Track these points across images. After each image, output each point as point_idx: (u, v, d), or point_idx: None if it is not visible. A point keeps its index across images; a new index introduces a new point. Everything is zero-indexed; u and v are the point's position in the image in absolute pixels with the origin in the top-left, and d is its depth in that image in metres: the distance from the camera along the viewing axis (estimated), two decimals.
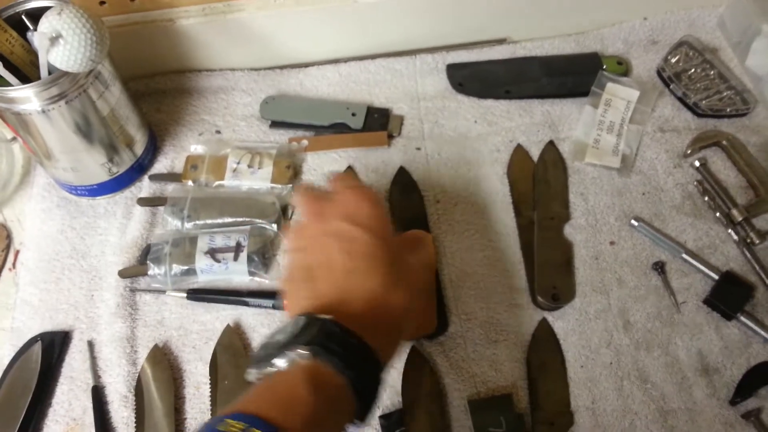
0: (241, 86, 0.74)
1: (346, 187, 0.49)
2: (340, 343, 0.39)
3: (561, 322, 0.59)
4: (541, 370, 0.57)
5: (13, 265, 0.65)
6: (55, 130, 0.58)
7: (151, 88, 0.73)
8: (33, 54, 0.59)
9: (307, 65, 0.75)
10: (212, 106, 0.73)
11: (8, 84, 0.55)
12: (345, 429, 0.39)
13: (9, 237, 0.67)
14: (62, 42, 0.50)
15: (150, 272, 0.61)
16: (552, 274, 0.60)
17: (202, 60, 0.73)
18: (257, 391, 0.38)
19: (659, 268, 0.61)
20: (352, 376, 0.38)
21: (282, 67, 0.75)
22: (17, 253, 0.65)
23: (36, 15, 0.58)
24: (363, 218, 0.45)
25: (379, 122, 0.70)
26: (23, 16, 0.58)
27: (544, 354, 0.58)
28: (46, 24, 0.50)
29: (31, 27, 0.58)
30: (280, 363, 0.38)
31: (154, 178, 0.67)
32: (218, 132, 0.71)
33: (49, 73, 0.54)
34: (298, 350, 0.38)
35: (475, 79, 0.73)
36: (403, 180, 0.66)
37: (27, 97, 0.55)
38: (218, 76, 0.74)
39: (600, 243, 0.63)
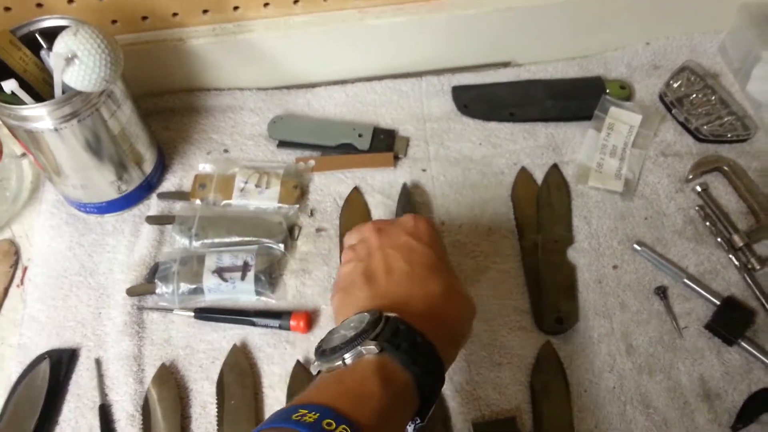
0: (249, 105, 0.75)
1: (404, 213, 0.56)
2: (407, 340, 0.40)
3: (565, 345, 0.60)
4: (544, 393, 0.57)
5: (21, 281, 0.65)
6: (67, 147, 0.59)
7: (159, 107, 0.74)
8: (46, 72, 0.59)
9: (314, 85, 0.76)
10: (220, 125, 0.73)
11: (21, 102, 0.55)
12: (407, 427, 0.40)
13: (17, 253, 0.67)
14: (77, 62, 0.51)
15: (158, 291, 0.61)
16: (556, 298, 0.61)
17: (211, 79, 0.74)
18: (326, 383, 0.39)
19: (661, 292, 0.62)
20: (418, 372, 0.39)
21: (289, 87, 0.76)
22: (25, 269, 0.66)
23: (50, 34, 0.59)
24: (421, 234, 0.50)
25: (385, 143, 0.71)
26: (37, 35, 0.59)
27: (548, 377, 0.58)
28: (61, 44, 0.51)
29: (44, 45, 0.59)
30: (348, 357, 0.39)
31: (163, 196, 0.68)
32: (226, 151, 0.71)
33: (63, 92, 0.55)
34: (367, 345, 0.39)
35: (480, 102, 0.74)
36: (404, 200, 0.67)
37: (40, 116, 0.55)
38: (227, 95, 0.75)
39: (603, 267, 0.64)
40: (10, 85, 0.51)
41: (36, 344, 0.61)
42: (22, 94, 0.53)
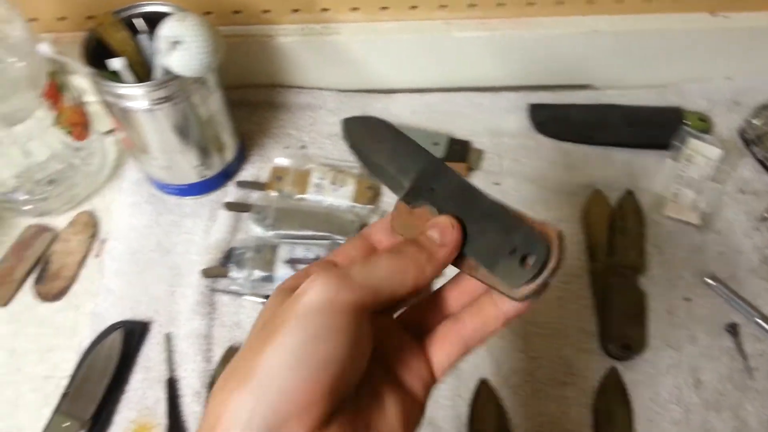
0: (329, 106, 0.76)
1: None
2: None
3: (630, 372, 0.59)
4: (607, 418, 0.56)
5: (99, 253, 0.67)
6: (157, 128, 0.61)
7: (243, 99, 0.76)
8: (140, 55, 0.62)
9: (392, 92, 0.77)
10: (299, 122, 0.75)
11: (119, 81, 0.58)
12: None
13: (96, 225, 0.69)
14: (182, 47, 0.53)
15: (231, 275, 0.62)
16: (624, 323, 0.60)
17: (294, 77, 0.76)
18: None
19: (732, 330, 0.61)
20: None
21: (369, 91, 0.77)
22: (104, 242, 0.68)
23: (149, 19, 0.61)
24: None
25: (459, 154, 0.71)
26: (136, 20, 0.62)
27: (612, 403, 0.57)
28: (168, 29, 0.53)
29: (143, 30, 0.62)
30: None
31: (241, 184, 0.70)
32: (303, 147, 0.73)
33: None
34: None
35: (557, 121, 0.74)
36: None
37: (137, 95, 0.57)
38: (307, 94, 0.77)
39: (674, 297, 0.63)
40: (119, 64, 0.54)
41: (110, 314, 0.62)
42: (127, 74, 0.55)
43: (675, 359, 0.59)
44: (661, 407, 0.57)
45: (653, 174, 0.71)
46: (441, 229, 0.34)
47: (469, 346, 0.35)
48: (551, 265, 0.32)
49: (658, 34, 0.71)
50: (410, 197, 0.36)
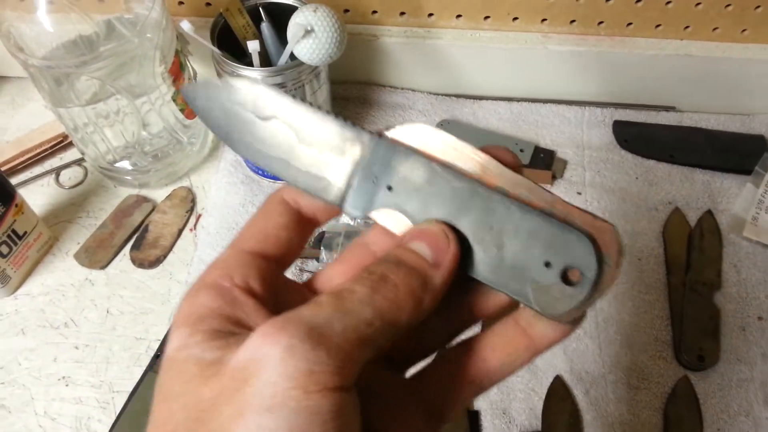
0: (419, 107, 0.79)
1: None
2: None
3: (702, 382, 0.61)
4: (677, 424, 0.58)
5: (194, 226, 0.71)
6: None
7: (342, 94, 0.80)
8: (260, 42, 0.66)
9: (481, 98, 0.80)
10: (390, 120, 0.78)
11: (239, 62, 0.62)
12: None
13: (193, 201, 0.73)
14: (313, 36, 0.57)
15: (321, 256, 0.66)
16: (699, 336, 0.62)
17: (390, 77, 0.79)
18: None
19: None
20: None
21: (458, 96, 0.80)
22: (199, 216, 0.72)
23: (271, 10, 0.66)
24: None
25: (544, 162, 0.74)
26: (260, 8, 0.66)
27: (683, 410, 0.59)
28: (301, 17, 0.57)
29: (264, 18, 0.66)
30: None
31: None
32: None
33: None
34: None
35: (641, 139, 0.76)
36: None
37: (256, 78, 0.61)
38: (399, 94, 0.80)
39: (748, 316, 0.64)
40: (254, 47, 0.58)
41: None
42: (256, 57, 0.59)
43: (746, 374, 0.61)
44: (730, 418, 0.59)
45: (733, 196, 0.72)
46: (430, 241, 0.24)
47: (486, 387, 0.27)
48: (609, 277, 0.23)
49: (749, 63, 0.73)
50: (356, 204, 0.25)
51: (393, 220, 0.25)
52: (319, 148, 0.25)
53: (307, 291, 0.28)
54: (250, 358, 0.20)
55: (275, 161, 0.26)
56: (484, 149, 0.25)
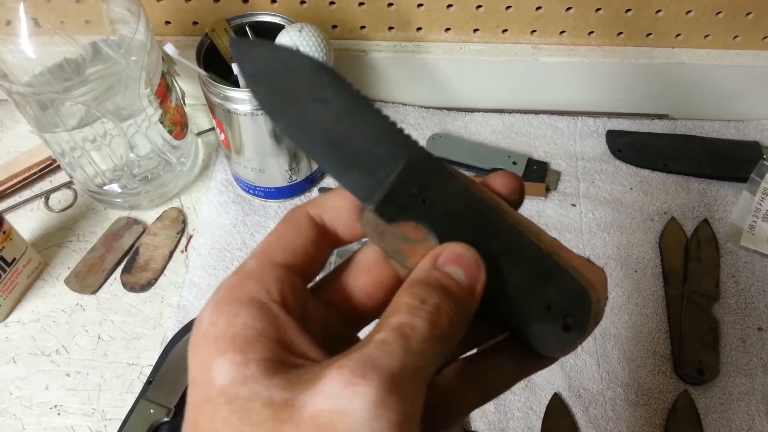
0: (410, 120, 0.79)
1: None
2: None
3: (703, 397, 0.60)
4: None
5: (185, 248, 0.71)
6: (256, 132, 0.64)
7: None
8: None
9: (473, 110, 0.79)
10: None
11: (225, 83, 0.61)
12: None
13: (184, 222, 0.73)
14: None
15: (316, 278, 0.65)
16: (698, 349, 0.61)
17: (380, 91, 0.79)
18: None
19: None
20: None
21: (449, 109, 0.80)
22: (190, 237, 0.71)
23: (258, 29, 0.65)
24: None
25: (537, 174, 0.73)
26: (246, 28, 0.65)
27: (684, 426, 0.58)
28: (287, 37, 0.56)
29: (251, 38, 0.65)
30: None
31: (323, 191, 0.73)
32: None
33: None
34: None
35: (634, 148, 0.75)
36: None
37: (242, 99, 0.61)
38: (390, 108, 0.80)
39: (748, 327, 0.64)
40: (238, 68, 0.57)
41: (194, 307, 0.65)
42: (242, 79, 0.58)
43: (747, 387, 0.60)
44: None
45: (729, 205, 0.72)
46: (464, 266, 0.24)
47: (479, 405, 0.27)
48: (592, 324, 0.24)
49: (741, 69, 0.73)
50: (388, 207, 0.24)
51: (416, 234, 0.25)
52: (364, 144, 0.25)
53: (325, 307, 0.27)
54: (333, 409, 0.19)
55: (316, 145, 0.25)
56: (492, 177, 0.26)
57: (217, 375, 0.21)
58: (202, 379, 0.22)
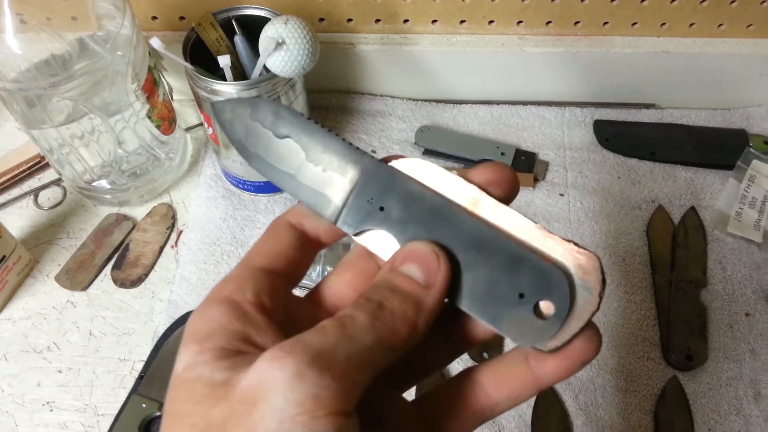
0: (398, 113, 0.79)
1: None
2: None
3: (692, 382, 0.60)
4: (668, 426, 0.58)
5: (176, 243, 0.71)
6: None
7: (320, 104, 0.79)
8: (234, 55, 0.65)
9: (461, 102, 0.80)
10: (370, 127, 0.78)
11: (213, 77, 0.61)
12: None
13: (174, 217, 0.73)
14: (284, 48, 0.56)
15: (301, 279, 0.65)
16: (686, 335, 0.62)
17: (368, 84, 0.79)
18: None
19: None
20: None
21: (438, 101, 0.80)
22: (180, 233, 0.71)
23: (244, 22, 0.65)
24: None
25: (525, 164, 0.74)
26: (233, 21, 0.65)
27: (673, 411, 0.59)
28: (272, 30, 0.56)
29: (237, 32, 0.65)
30: None
31: None
32: (374, 152, 0.76)
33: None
34: None
35: (622, 138, 0.76)
36: None
37: (230, 93, 0.61)
38: (379, 101, 0.80)
39: (735, 312, 0.64)
40: (225, 61, 0.57)
41: (185, 302, 0.66)
42: (228, 72, 0.59)
43: (735, 372, 0.61)
44: (721, 417, 0.58)
45: (716, 192, 0.72)
46: (421, 262, 0.25)
47: (487, 419, 0.27)
48: (591, 300, 0.24)
49: (726, 57, 0.73)
50: (348, 219, 0.26)
51: (381, 241, 0.26)
52: (323, 166, 0.27)
53: (313, 306, 0.28)
54: (257, 382, 0.21)
55: (284, 175, 0.28)
56: (481, 167, 0.27)
57: (178, 363, 0.23)
58: (174, 368, 0.24)
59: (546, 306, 0.24)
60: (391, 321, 0.23)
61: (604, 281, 0.24)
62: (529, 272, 0.24)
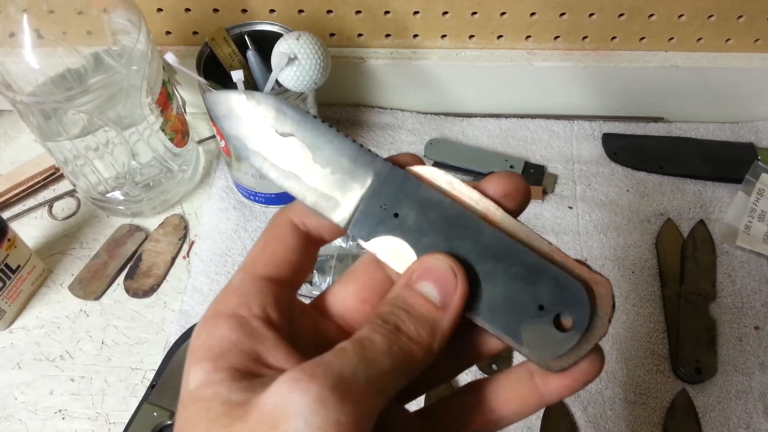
0: (408, 126, 0.80)
1: None
2: None
3: (701, 395, 0.60)
4: None
5: (188, 254, 0.71)
6: None
7: (328, 117, 0.80)
8: (247, 70, 0.66)
9: (470, 116, 0.80)
10: (379, 140, 0.79)
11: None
12: None
13: (186, 228, 0.73)
14: (296, 63, 0.57)
15: (313, 280, 0.66)
16: (695, 348, 0.62)
17: (378, 98, 0.80)
18: None
19: None
20: None
21: (447, 114, 0.81)
22: (192, 243, 0.72)
23: (256, 38, 0.66)
24: None
25: (534, 177, 0.74)
26: (246, 37, 0.66)
27: (682, 425, 0.59)
28: (284, 45, 0.57)
29: (250, 47, 0.66)
30: None
31: None
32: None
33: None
34: None
35: (630, 151, 0.76)
36: None
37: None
38: (388, 114, 0.81)
39: (744, 326, 0.64)
40: (238, 76, 0.58)
41: (197, 312, 0.66)
42: (241, 86, 0.60)
43: (745, 385, 0.61)
44: (730, 431, 0.58)
45: (725, 206, 0.72)
46: (437, 282, 0.24)
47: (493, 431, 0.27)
48: (601, 324, 0.23)
49: (734, 71, 0.74)
50: (361, 226, 0.25)
51: (393, 248, 0.25)
52: (332, 168, 0.26)
53: (317, 314, 0.28)
54: (278, 404, 0.20)
55: (287, 176, 0.26)
56: (494, 177, 0.26)
57: (191, 380, 0.23)
58: (183, 384, 0.24)
59: (566, 321, 0.23)
60: (408, 345, 0.23)
61: (614, 306, 0.24)
62: (549, 284, 0.23)
